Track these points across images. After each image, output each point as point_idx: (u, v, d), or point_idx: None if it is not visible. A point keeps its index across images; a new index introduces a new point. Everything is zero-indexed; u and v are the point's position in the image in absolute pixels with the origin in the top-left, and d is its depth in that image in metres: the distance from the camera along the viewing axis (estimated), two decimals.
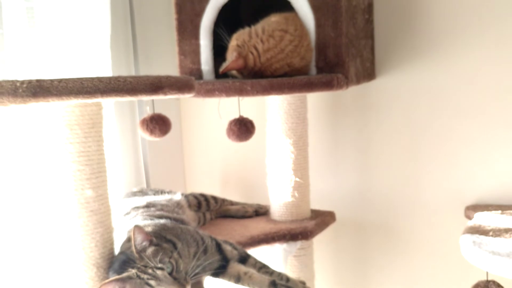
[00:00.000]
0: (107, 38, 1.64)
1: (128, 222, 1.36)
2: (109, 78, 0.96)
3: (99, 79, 0.95)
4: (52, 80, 0.91)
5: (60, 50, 1.54)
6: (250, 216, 1.77)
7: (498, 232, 1.42)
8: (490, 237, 1.39)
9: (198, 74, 1.58)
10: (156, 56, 1.93)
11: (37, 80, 0.90)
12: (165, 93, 1.04)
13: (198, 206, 1.70)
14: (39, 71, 1.49)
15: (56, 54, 1.53)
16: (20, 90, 0.88)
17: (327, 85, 1.39)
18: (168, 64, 1.89)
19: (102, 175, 1.15)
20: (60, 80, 0.91)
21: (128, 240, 1.19)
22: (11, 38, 1.42)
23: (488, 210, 1.62)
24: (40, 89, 0.89)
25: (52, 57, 1.52)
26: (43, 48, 1.50)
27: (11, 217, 1.42)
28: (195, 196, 1.72)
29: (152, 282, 1.08)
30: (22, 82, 0.89)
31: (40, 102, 0.91)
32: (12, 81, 0.89)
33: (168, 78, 1.05)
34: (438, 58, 1.72)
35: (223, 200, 1.81)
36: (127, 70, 1.82)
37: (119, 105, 1.79)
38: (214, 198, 1.78)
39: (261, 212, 1.79)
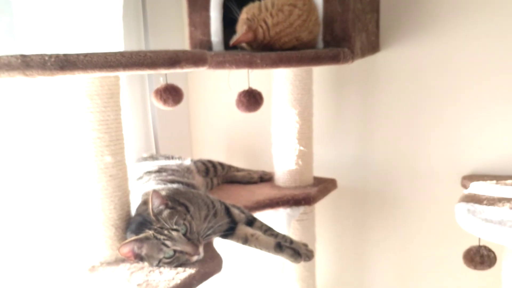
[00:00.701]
0: (120, 9, 1.66)
1: (141, 186, 1.42)
2: (131, 53, 1.01)
3: (122, 54, 0.99)
4: (78, 55, 0.95)
5: (74, 21, 1.56)
6: (255, 182, 1.81)
7: (492, 201, 1.46)
8: (484, 205, 1.43)
9: (208, 46, 1.60)
10: (165, 27, 1.94)
11: (64, 55, 0.94)
12: (181, 67, 1.09)
13: (206, 171, 1.75)
14: (53, 42, 1.53)
15: (70, 25, 1.55)
16: (49, 64, 0.93)
17: (333, 59, 1.41)
18: (177, 35, 1.91)
19: (120, 142, 1.21)
20: (85, 55, 0.96)
21: (144, 203, 1.25)
22: (24, 6, 1.45)
23: (483, 180, 1.66)
24: (67, 63, 0.94)
25: (66, 28, 1.55)
26: (56, 18, 1.52)
27: (33, 183, 1.49)
28: (203, 162, 1.77)
29: (168, 242, 1.14)
30: (50, 56, 0.94)
31: (67, 75, 0.96)
32: (41, 55, 0.94)
33: (184, 52, 1.09)
34: (441, 31, 1.74)
35: (229, 167, 1.85)
36: (137, 41, 1.84)
37: (130, 76, 1.82)
38: (221, 165, 1.82)
39: (265, 178, 1.83)
